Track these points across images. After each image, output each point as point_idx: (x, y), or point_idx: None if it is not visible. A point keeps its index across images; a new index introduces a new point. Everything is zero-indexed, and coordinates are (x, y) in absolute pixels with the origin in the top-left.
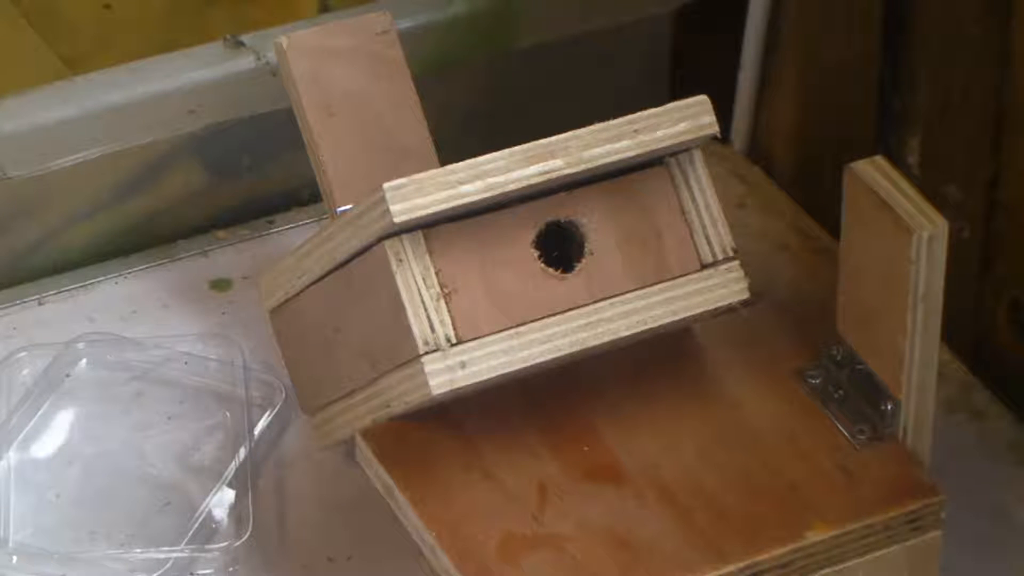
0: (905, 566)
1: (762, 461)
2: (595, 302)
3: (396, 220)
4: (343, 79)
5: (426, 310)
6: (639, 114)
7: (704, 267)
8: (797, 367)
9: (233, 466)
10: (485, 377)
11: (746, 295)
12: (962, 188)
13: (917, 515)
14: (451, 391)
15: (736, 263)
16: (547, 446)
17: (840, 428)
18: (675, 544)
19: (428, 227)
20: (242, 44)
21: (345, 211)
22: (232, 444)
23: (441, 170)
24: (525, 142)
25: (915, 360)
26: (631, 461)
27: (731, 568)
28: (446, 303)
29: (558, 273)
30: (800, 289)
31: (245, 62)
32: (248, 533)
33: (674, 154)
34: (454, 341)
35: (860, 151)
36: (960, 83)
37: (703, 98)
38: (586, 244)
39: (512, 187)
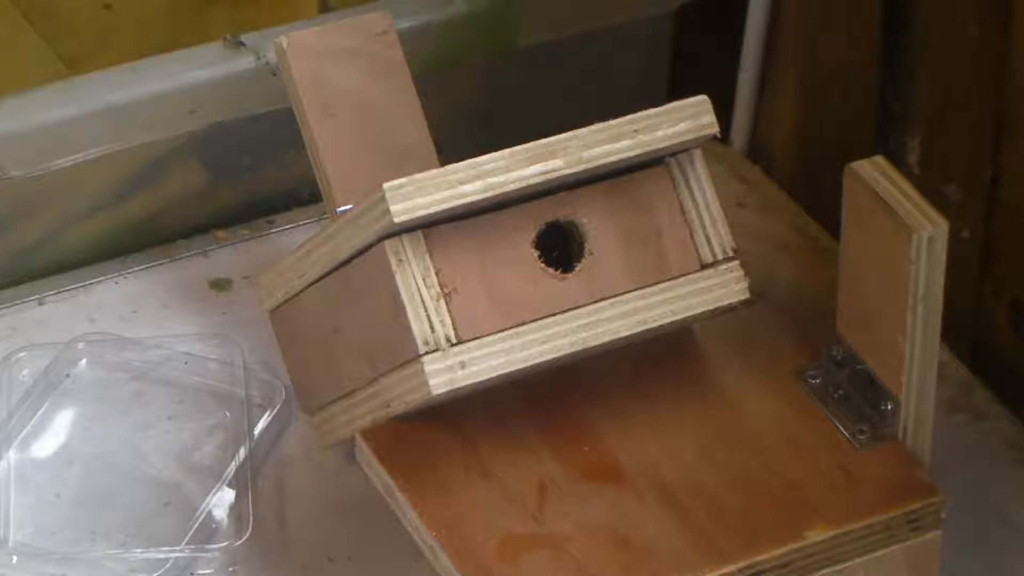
0: (905, 566)
1: (762, 461)
2: (595, 302)
3: (396, 220)
4: (343, 79)
5: (426, 310)
6: (639, 114)
7: (704, 267)
8: (797, 367)
9: (233, 466)
10: (485, 377)
11: (746, 295)
12: (962, 188)
13: (917, 515)
14: (451, 391)
15: (736, 263)
16: (547, 446)
17: (840, 428)
18: (675, 544)
19: (428, 227)
20: (242, 44)
21: (345, 211)
22: (232, 444)
23: (441, 170)
24: (525, 142)
25: (915, 360)
26: (631, 461)
27: (731, 568)
28: (446, 303)
29: (558, 273)
30: (800, 289)
31: (245, 62)
32: (248, 533)
33: (674, 154)
34: (454, 341)
35: (860, 151)
36: (960, 83)
37: (703, 98)
38: (586, 244)
39: (512, 187)
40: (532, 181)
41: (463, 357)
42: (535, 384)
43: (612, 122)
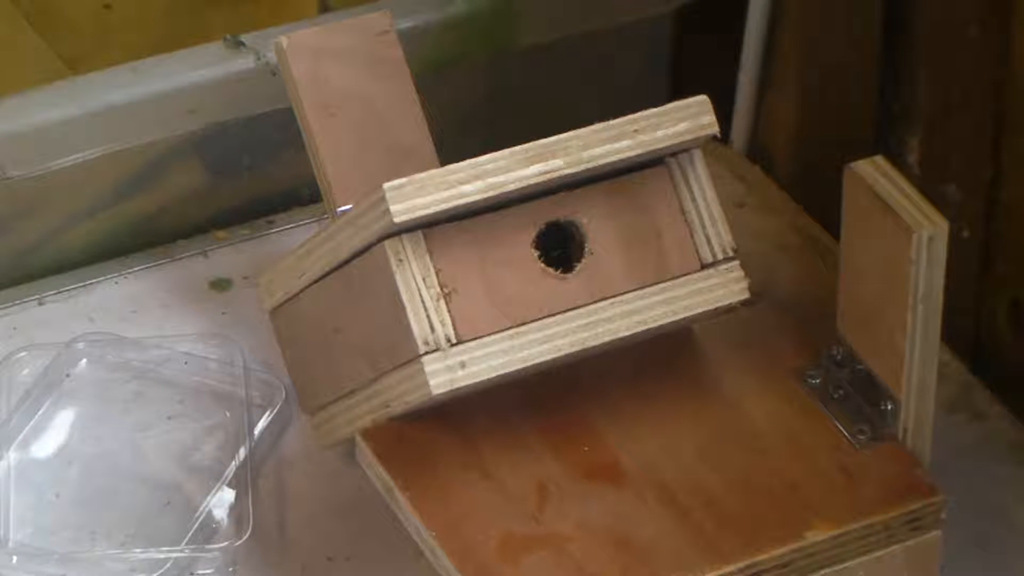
0: (905, 566)
1: (762, 461)
2: (595, 302)
3: (396, 220)
4: (343, 79)
5: (426, 310)
6: (639, 114)
7: (704, 267)
8: (797, 367)
9: (233, 466)
10: (485, 377)
11: (746, 295)
12: (962, 188)
13: (917, 515)
14: (451, 391)
15: (736, 263)
16: (547, 446)
17: (840, 428)
18: (675, 544)
19: (428, 227)
20: (242, 44)
21: (345, 211)
22: (232, 444)
23: (441, 170)
24: (525, 142)
25: (915, 360)
26: (631, 461)
27: (731, 568)
28: (446, 303)
29: (558, 273)
30: (800, 289)
31: (245, 62)
32: (248, 533)
33: (674, 154)
34: (454, 341)
35: (860, 151)
36: (960, 83)
37: (703, 98)
38: (586, 244)
39: (512, 187)
40: (532, 181)
41: (463, 357)
42: (535, 384)
43: (612, 122)
